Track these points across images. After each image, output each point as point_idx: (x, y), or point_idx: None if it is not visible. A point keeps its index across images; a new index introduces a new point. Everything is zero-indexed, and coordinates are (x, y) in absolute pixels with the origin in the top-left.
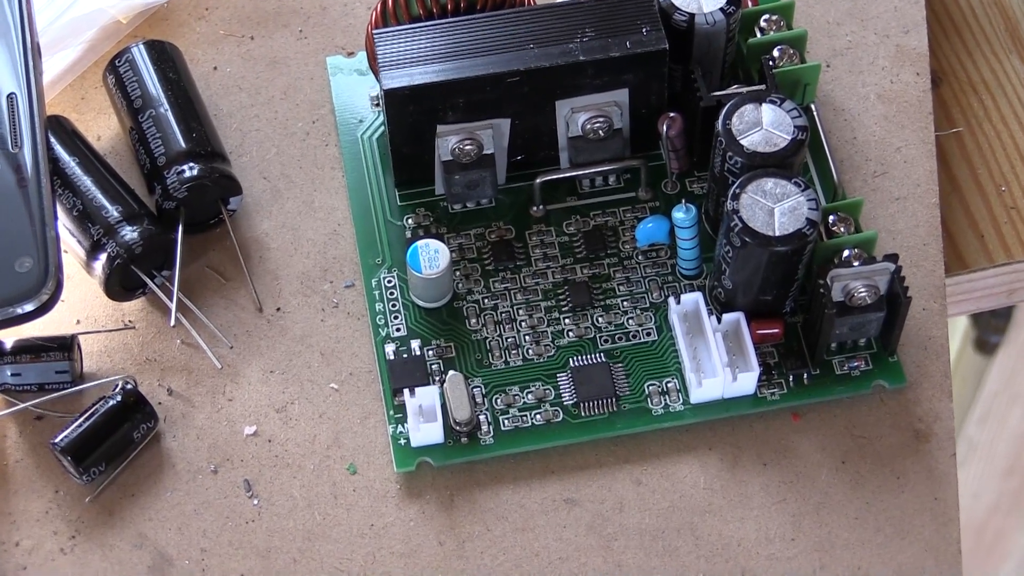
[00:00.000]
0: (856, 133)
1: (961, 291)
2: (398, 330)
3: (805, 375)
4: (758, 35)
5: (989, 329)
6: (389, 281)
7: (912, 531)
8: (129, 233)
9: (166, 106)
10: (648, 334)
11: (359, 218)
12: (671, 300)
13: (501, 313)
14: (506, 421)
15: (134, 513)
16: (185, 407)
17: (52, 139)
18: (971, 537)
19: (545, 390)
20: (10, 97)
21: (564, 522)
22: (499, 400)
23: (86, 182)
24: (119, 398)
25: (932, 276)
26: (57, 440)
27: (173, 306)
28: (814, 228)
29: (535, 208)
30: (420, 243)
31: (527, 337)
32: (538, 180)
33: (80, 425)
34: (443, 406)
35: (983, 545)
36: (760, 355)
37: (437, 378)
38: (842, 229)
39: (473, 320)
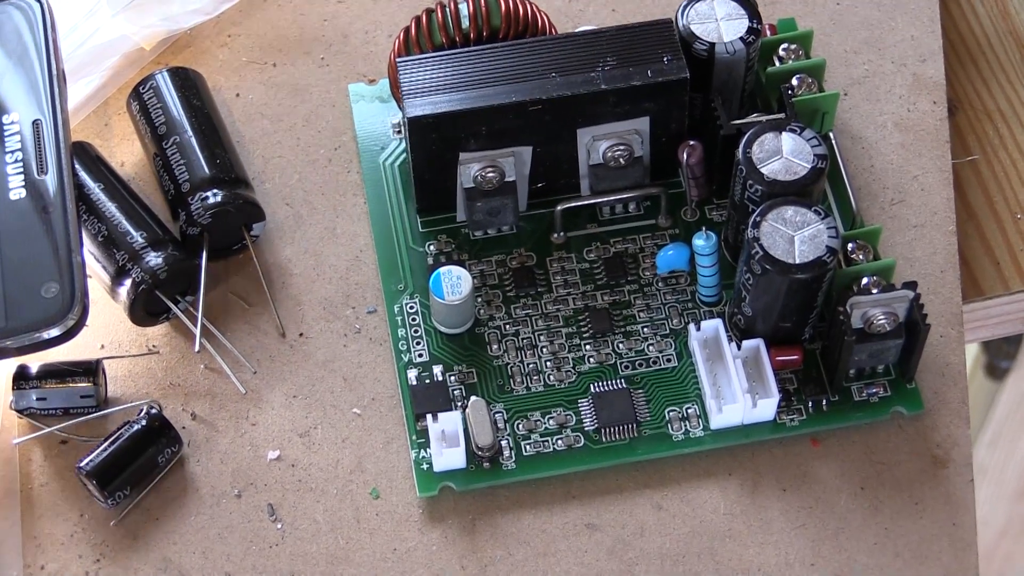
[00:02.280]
0: (874, 161)
1: (977, 318)
2: (420, 355)
3: (824, 401)
4: (777, 64)
5: (999, 354)
6: (411, 307)
7: (930, 557)
8: (154, 259)
9: (190, 132)
10: (668, 360)
11: (381, 244)
12: (691, 327)
13: (522, 339)
14: (528, 446)
15: (158, 537)
16: (209, 432)
17: (77, 165)
18: (980, 562)
19: (566, 416)
20: (35, 123)
21: (585, 547)
22: (521, 425)
23: (111, 208)
24: (144, 422)
25: (949, 303)
26: (82, 464)
27: (197, 331)
28: (834, 256)
29: (556, 235)
30: (443, 269)
31: (548, 363)
32: (559, 207)
33: (105, 449)
34: (465, 431)
35: (992, 570)
36: (779, 381)
37: (459, 403)
38: (861, 257)
39: (495, 346)
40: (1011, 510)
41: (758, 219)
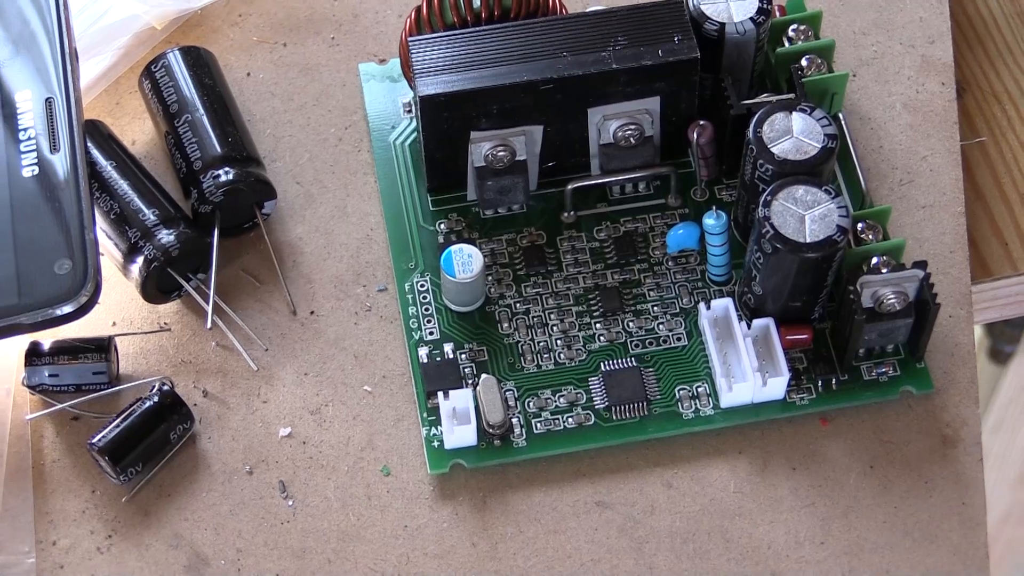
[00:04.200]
0: (883, 142)
1: (985, 299)
2: (431, 333)
3: (834, 380)
4: (786, 45)
5: (1003, 339)
6: (422, 285)
7: (940, 535)
8: (166, 236)
9: (202, 111)
10: (679, 339)
11: (392, 223)
12: (701, 306)
13: (533, 317)
14: (538, 424)
15: (170, 513)
16: (220, 409)
17: (89, 143)
18: None
19: (577, 394)
20: (48, 101)
21: (596, 524)
22: (531, 403)
23: (123, 186)
24: (156, 399)
25: (958, 283)
26: (95, 440)
27: (209, 308)
28: (844, 235)
29: (566, 214)
30: (454, 248)
31: (559, 341)
32: (569, 186)
33: (117, 425)
34: (476, 409)
35: (995, 555)
36: (789, 360)
37: (470, 381)
38: (870, 236)
39: (505, 324)
40: (1014, 496)
41: (769, 198)
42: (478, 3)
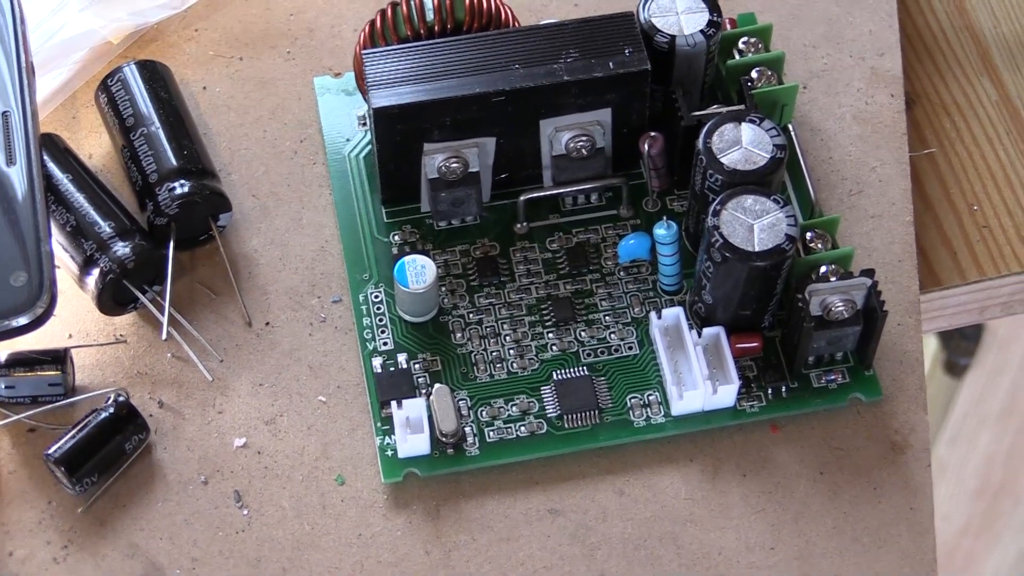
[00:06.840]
0: (832, 153)
1: (934, 308)
2: (385, 344)
3: (783, 388)
4: (737, 57)
5: (959, 352)
6: (376, 296)
7: (889, 540)
8: (121, 248)
9: (157, 124)
10: (630, 348)
11: (346, 235)
12: (652, 315)
13: (486, 327)
14: (491, 433)
15: (126, 523)
16: (176, 419)
17: (45, 156)
18: (942, 559)
19: (529, 403)
20: (4, 114)
21: (548, 532)
22: (484, 412)
23: (79, 198)
24: (111, 410)
25: (907, 292)
26: (51, 451)
27: (164, 320)
28: (793, 244)
29: (519, 225)
30: (407, 258)
31: (511, 351)
32: (522, 198)
33: (73, 436)
34: (430, 418)
35: (954, 567)
36: (739, 368)
37: (423, 391)
38: (819, 246)
39: (458, 334)
40: (971, 508)
41: (718, 208)
42: (431, 16)
